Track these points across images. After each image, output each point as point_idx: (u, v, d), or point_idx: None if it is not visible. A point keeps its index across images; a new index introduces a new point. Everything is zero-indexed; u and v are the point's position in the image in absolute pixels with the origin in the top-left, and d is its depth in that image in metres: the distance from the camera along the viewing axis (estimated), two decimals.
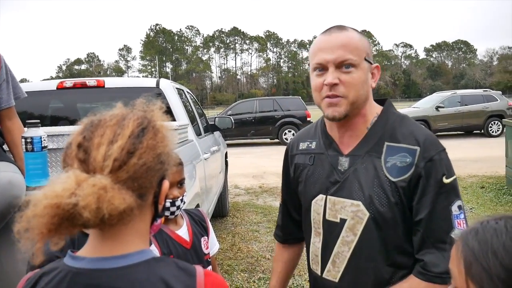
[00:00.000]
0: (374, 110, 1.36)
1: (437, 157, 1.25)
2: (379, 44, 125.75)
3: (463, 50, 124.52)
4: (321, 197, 1.37)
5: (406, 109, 17.47)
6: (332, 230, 1.34)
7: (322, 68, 1.28)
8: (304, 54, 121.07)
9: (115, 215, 0.73)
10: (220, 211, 5.92)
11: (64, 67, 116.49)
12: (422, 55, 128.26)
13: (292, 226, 1.59)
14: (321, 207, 1.36)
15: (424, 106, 16.25)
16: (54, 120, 4.11)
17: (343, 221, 1.32)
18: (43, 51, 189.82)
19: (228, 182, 6.79)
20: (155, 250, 1.40)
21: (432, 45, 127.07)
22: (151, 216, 0.86)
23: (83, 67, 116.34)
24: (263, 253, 4.61)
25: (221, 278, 0.88)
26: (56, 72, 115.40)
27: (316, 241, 1.40)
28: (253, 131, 15.78)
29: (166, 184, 0.86)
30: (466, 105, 15.46)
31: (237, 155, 12.32)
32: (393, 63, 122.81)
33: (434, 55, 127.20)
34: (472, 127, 15.68)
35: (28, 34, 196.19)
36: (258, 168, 10.50)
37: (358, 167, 1.31)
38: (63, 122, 4.06)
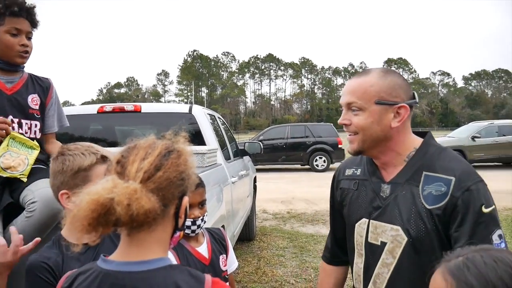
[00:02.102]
0: (410, 144, 1.44)
1: (474, 187, 1.30)
2: (415, 72, 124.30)
3: (503, 79, 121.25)
4: (364, 220, 1.47)
5: (441, 138, 17.15)
6: (373, 252, 1.44)
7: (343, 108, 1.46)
8: (339, 81, 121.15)
9: (141, 213, 0.89)
10: (247, 234, 6.01)
11: (104, 90, 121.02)
12: (460, 83, 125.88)
13: (337, 249, 1.69)
14: (364, 230, 1.47)
15: (459, 135, 15.93)
16: (94, 142, 4.36)
17: (383, 244, 1.41)
18: (86, 74, 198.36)
19: (256, 206, 6.89)
20: (174, 263, 1.54)
21: (471, 74, 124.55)
22: (172, 229, 1.02)
23: (122, 90, 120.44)
24: (288, 278, 4.66)
25: (227, 287, 1.01)
26: (97, 95, 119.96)
27: (359, 262, 1.50)
28: (284, 157, 15.88)
29: (185, 199, 1.03)
30: (504, 135, 15.05)
31: (268, 180, 12.41)
32: (429, 91, 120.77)
33: (473, 84, 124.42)
34: (510, 159, 15.21)
35: (72, 58, 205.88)
36: (288, 193, 10.55)
37: (398, 194, 1.40)
38: (102, 143, 4.33)
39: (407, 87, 1.42)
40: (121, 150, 1.01)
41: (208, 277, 0.99)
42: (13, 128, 1.98)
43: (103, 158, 1.49)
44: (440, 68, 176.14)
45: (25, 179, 1.91)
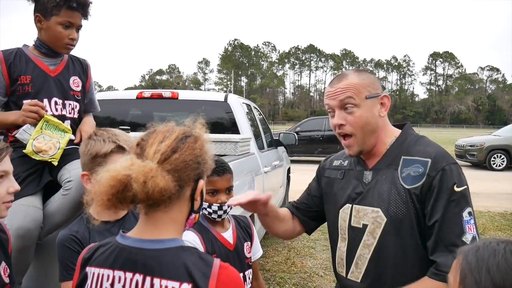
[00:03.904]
0: (392, 134, 1.56)
1: (448, 168, 1.40)
2: (462, 66, 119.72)
3: None
4: (347, 206, 1.57)
5: (484, 136, 16.49)
6: (355, 235, 1.52)
7: (332, 111, 1.53)
8: (381, 73, 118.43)
9: (157, 191, 0.94)
10: None
11: (147, 77, 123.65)
12: (510, 80, 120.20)
13: (300, 214, 1.79)
14: (347, 215, 1.56)
15: (505, 134, 15.24)
16: (133, 126, 4.51)
17: (365, 226, 1.50)
18: (130, 61, 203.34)
19: (289, 197, 6.89)
20: (199, 246, 1.59)
21: None
22: (188, 210, 1.06)
23: (164, 77, 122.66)
24: (317, 270, 4.66)
25: (236, 272, 1.04)
26: (140, 81, 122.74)
27: (342, 246, 1.57)
28: (320, 149, 15.75)
29: (201, 183, 1.06)
30: None
31: (303, 171, 12.30)
32: (477, 87, 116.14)
33: None
34: None
35: (117, 44, 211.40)
36: None
37: (379, 179, 1.50)
38: (141, 128, 4.45)
39: (378, 79, 1.57)
40: (142, 135, 1.06)
41: (217, 261, 1.02)
42: (46, 111, 2.03)
43: (120, 148, 1.57)
44: (489, 63, 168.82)
45: (55, 163, 1.98)
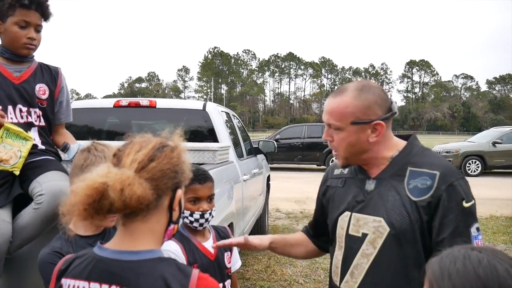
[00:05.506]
0: (393, 147, 1.50)
1: (457, 183, 1.38)
2: (437, 74, 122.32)
3: None
4: (346, 213, 1.52)
5: (460, 143, 16.85)
6: (353, 244, 1.48)
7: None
8: None
9: (134, 199, 0.93)
10: (259, 232, 6.01)
11: (126, 85, 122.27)
12: (484, 87, 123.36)
13: (319, 233, 1.76)
14: (346, 222, 1.52)
15: (480, 141, 15.62)
16: (111, 135, 4.44)
17: (364, 235, 1.46)
18: (108, 68, 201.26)
19: (269, 205, 6.89)
20: (181, 255, 1.58)
21: (495, 78, 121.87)
22: (166, 221, 1.05)
23: (143, 85, 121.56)
24: (297, 278, 4.65)
25: (215, 283, 1.03)
26: (119, 89, 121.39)
27: (338, 254, 1.54)
28: (300, 156, 15.84)
29: (179, 192, 1.05)
30: None
31: (283, 179, 12.39)
32: (452, 95, 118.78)
33: (497, 88, 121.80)
34: None
35: (95, 51, 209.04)
36: (302, 193, 10.51)
37: (382, 188, 1.46)
38: (119, 137, 4.38)
39: (383, 100, 1.45)
40: (120, 145, 1.05)
41: (195, 272, 1.01)
42: (11, 119, 1.97)
43: None
44: (464, 71, 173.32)
45: (17, 172, 1.92)
